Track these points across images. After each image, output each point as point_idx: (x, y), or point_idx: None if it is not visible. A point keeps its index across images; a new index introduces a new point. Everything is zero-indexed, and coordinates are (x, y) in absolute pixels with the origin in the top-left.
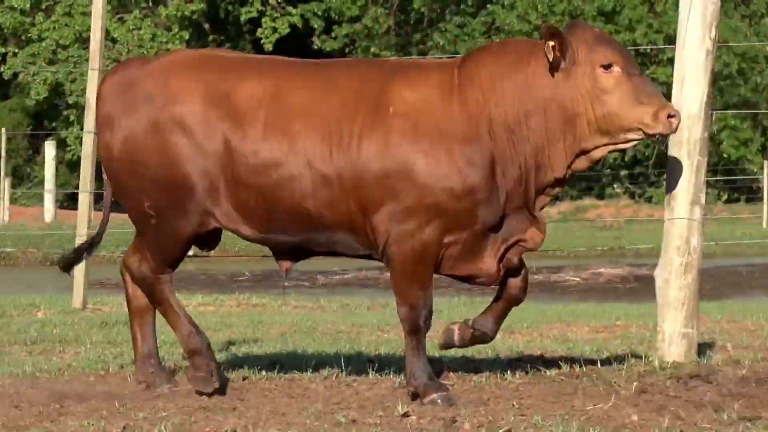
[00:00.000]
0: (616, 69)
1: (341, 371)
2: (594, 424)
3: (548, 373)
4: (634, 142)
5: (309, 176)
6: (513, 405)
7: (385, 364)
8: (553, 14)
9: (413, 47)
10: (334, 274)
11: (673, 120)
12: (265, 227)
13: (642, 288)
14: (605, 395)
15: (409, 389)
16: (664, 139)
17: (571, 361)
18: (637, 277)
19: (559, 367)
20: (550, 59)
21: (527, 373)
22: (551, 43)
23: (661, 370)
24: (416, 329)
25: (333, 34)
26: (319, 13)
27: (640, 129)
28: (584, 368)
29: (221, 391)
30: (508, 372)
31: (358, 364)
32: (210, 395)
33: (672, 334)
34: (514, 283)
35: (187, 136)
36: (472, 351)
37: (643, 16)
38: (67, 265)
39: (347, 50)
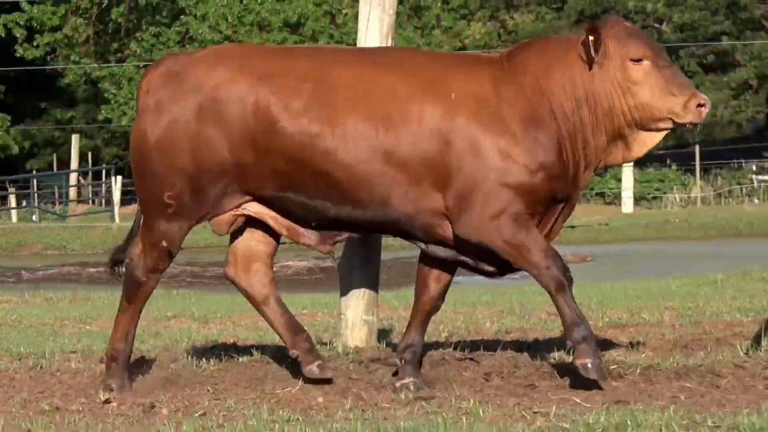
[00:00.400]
0: (645, 62)
1: (46, 361)
2: (283, 406)
3: (241, 359)
4: (666, 131)
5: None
6: (208, 390)
7: (87, 354)
8: (242, 24)
9: (111, 55)
10: (37, 270)
11: (702, 109)
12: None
13: (327, 279)
14: (294, 379)
15: (568, 345)
16: (694, 127)
17: (262, 348)
18: (322, 268)
19: (251, 354)
20: (592, 54)
21: (221, 360)
22: (591, 38)
23: (345, 354)
24: (560, 285)
25: (35, 43)
26: (21, 22)
27: (670, 119)
28: (274, 354)
29: None
30: (204, 359)
31: (61, 354)
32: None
33: (354, 320)
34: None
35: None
36: (169, 340)
37: (325, 27)
38: (115, 263)
39: (49, 58)
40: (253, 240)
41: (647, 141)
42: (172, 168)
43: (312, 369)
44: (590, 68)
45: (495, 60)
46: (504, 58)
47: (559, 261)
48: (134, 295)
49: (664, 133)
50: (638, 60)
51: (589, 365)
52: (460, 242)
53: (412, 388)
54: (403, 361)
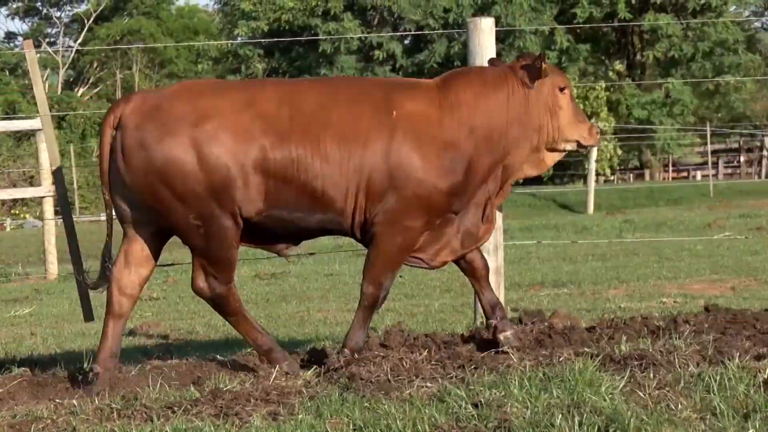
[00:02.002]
0: (566, 91)
1: None
2: None
3: None
4: (564, 153)
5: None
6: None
7: None
8: None
9: None
10: None
11: (598, 135)
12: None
13: None
14: None
15: (343, 350)
16: (589, 150)
17: None
18: None
19: None
20: (537, 78)
21: None
22: (543, 66)
23: None
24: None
25: None
26: None
27: (577, 141)
28: None
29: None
30: None
31: None
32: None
33: None
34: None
35: (223, 145)
36: None
37: None
38: (96, 284)
39: None
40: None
41: (550, 159)
42: (185, 194)
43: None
44: (528, 93)
45: (430, 86)
46: (437, 85)
47: (388, 287)
48: (232, 307)
49: (563, 153)
50: (562, 89)
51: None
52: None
53: (511, 338)
54: (498, 318)
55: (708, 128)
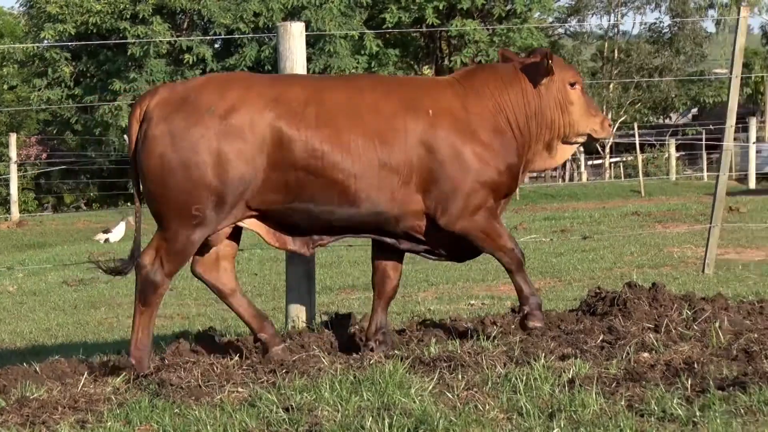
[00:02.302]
0: (577, 86)
1: None
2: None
3: None
4: (578, 144)
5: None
6: None
7: None
8: None
9: None
10: None
11: (611, 128)
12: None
13: None
14: None
15: (520, 313)
16: (602, 141)
17: None
18: None
19: None
20: (545, 75)
21: None
22: (550, 62)
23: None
24: (520, 264)
25: None
26: None
27: (589, 134)
28: None
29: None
30: None
31: None
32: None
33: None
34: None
35: (244, 137)
36: None
37: None
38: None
39: None
40: (220, 243)
41: (566, 152)
42: (199, 184)
43: (277, 350)
44: (540, 88)
45: (452, 82)
46: (458, 80)
47: (518, 245)
48: (152, 298)
49: (576, 146)
50: (573, 84)
51: (539, 326)
52: (435, 235)
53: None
54: (377, 342)
55: None
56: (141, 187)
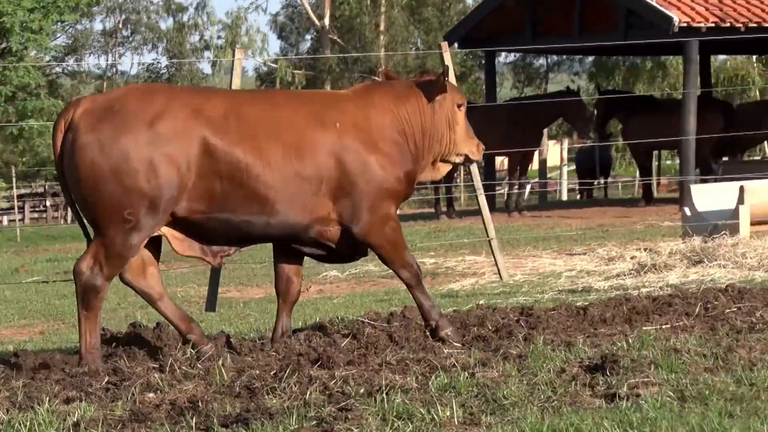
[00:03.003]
0: (462, 109)
1: None
2: None
3: None
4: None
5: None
6: None
7: None
8: None
9: None
10: None
11: (482, 152)
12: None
13: None
14: None
15: (427, 327)
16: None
17: None
18: None
19: None
20: (442, 92)
21: None
22: (446, 82)
23: None
24: (418, 280)
25: None
26: None
27: (466, 155)
28: None
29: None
30: None
31: None
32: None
33: None
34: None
35: (172, 144)
36: None
37: None
38: None
39: None
40: (144, 251)
41: (443, 169)
42: (130, 190)
43: (206, 349)
44: (433, 105)
45: (346, 96)
46: (350, 97)
47: (415, 259)
48: (94, 302)
49: (451, 165)
50: (460, 106)
51: (449, 333)
52: (342, 241)
53: None
54: (280, 344)
55: (14, 173)
56: (72, 194)
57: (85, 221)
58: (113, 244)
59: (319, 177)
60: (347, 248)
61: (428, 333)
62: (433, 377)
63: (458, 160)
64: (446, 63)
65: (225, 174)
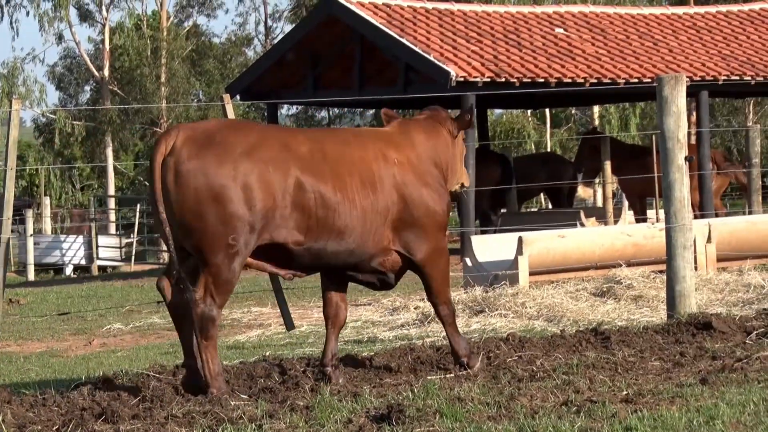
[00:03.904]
0: (462, 139)
1: None
2: None
3: None
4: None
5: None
6: None
7: None
8: None
9: None
10: None
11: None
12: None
13: None
14: None
15: (457, 363)
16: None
17: None
18: None
19: None
20: (468, 128)
21: None
22: (467, 119)
23: None
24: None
25: None
26: None
27: (462, 184)
28: None
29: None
30: None
31: None
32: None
33: None
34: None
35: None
36: None
37: None
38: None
39: None
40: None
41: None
42: (232, 216)
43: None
44: (453, 139)
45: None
46: (393, 133)
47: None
48: (212, 331)
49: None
50: (464, 138)
51: (479, 365)
52: (397, 271)
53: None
54: (333, 368)
55: None
56: (176, 220)
57: (172, 247)
58: (221, 272)
59: (386, 209)
60: (396, 278)
61: (459, 367)
62: (220, 430)
63: (458, 188)
64: (229, 115)
65: (317, 207)
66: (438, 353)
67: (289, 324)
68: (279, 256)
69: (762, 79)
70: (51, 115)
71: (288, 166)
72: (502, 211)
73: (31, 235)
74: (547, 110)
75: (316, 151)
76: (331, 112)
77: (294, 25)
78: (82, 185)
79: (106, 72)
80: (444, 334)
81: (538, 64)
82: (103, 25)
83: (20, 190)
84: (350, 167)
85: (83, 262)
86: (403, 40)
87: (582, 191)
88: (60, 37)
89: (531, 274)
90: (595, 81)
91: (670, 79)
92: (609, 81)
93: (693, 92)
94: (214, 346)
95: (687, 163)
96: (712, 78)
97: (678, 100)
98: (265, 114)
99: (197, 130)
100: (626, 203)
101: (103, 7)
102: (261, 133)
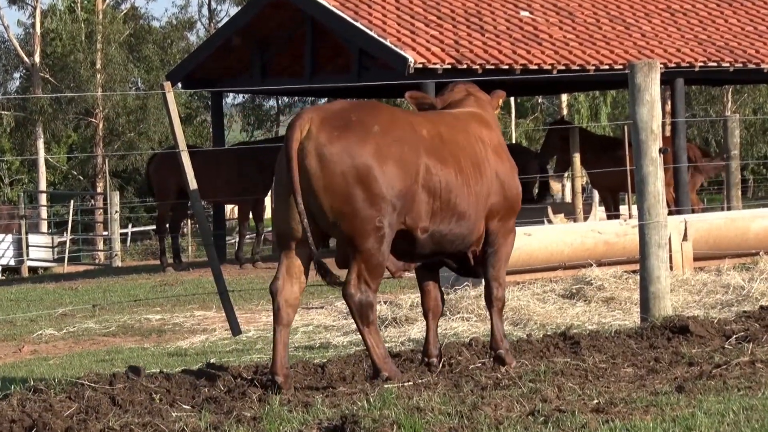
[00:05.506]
0: None
1: None
2: None
3: None
4: None
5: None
6: None
7: None
8: None
9: None
10: None
11: None
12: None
13: None
14: None
15: (493, 352)
16: None
17: None
18: None
19: None
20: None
21: None
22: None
23: None
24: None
25: None
26: None
27: None
28: None
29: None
30: None
31: None
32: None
33: None
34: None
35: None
36: None
37: None
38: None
39: None
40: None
41: None
42: (378, 197)
43: None
44: None
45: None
46: (476, 114)
47: None
48: (372, 316)
49: None
50: None
51: (513, 363)
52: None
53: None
54: (438, 358)
55: None
56: (320, 205)
57: (311, 238)
58: (372, 256)
59: (487, 193)
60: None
61: (492, 358)
62: None
63: None
64: (170, 104)
65: (442, 190)
66: (396, 360)
67: (235, 329)
68: (402, 245)
69: (741, 65)
70: None
71: (418, 147)
72: None
73: None
74: (512, 99)
75: (434, 135)
76: (280, 101)
77: (240, 8)
78: (11, 180)
79: (37, 58)
80: (402, 339)
81: (502, 49)
82: (34, 8)
83: None
84: (462, 151)
85: (12, 262)
86: (358, 24)
87: (551, 185)
88: None
89: None
90: (563, 68)
91: (643, 66)
92: (578, 68)
93: (667, 80)
94: (377, 330)
95: (661, 155)
96: (687, 64)
97: (651, 88)
98: (209, 103)
99: (330, 111)
100: (597, 198)
101: None
102: (390, 112)
